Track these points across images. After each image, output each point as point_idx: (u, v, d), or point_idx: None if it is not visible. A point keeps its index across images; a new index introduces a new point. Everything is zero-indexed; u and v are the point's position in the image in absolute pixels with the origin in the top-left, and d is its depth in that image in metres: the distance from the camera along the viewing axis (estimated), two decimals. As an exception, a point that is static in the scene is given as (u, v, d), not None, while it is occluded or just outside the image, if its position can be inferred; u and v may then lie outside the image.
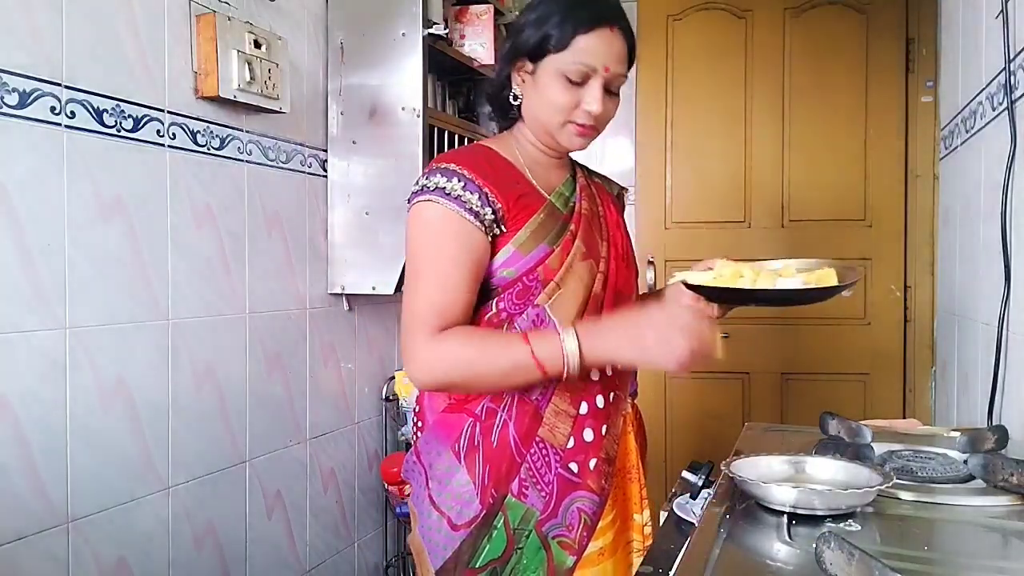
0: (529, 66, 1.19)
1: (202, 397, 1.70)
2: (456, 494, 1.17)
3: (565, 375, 1.08)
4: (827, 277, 1.19)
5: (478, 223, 1.13)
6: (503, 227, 1.16)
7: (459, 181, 1.13)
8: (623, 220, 1.36)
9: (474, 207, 1.13)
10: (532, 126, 1.23)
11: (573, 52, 1.15)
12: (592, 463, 1.19)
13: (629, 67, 1.20)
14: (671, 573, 0.80)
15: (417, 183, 1.17)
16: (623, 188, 1.46)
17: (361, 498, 2.28)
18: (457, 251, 1.13)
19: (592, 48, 1.15)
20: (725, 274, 1.21)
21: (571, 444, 1.19)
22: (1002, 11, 1.51)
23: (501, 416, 1.18)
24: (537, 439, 1.17)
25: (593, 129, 1.20)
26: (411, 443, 1.30)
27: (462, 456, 1.18)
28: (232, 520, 1.80)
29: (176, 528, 1.63)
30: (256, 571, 1.87)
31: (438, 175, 1.14)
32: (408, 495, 1.30)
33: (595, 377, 1.20)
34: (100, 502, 1.46)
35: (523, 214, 1.17)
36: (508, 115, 1.27)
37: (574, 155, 1.32)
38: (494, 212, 1.15)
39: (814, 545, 0.73)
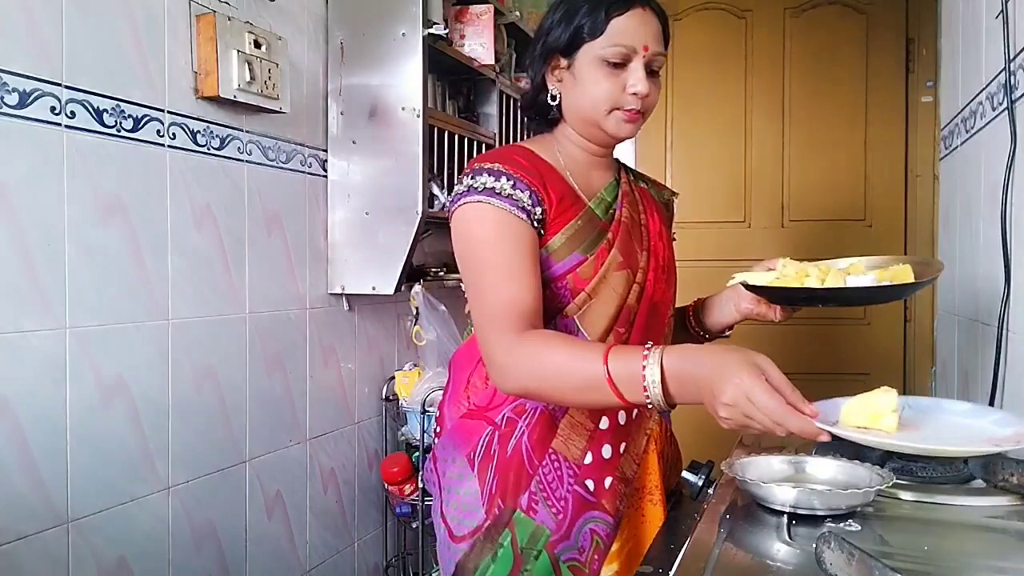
0: (564, 62, 1.16)
1: (202, 397, 1.70)
2: (460, 503, 1.14)
3: (650, 406, 0.94)
4: (902, 274, 1.09)
5: (530, 221, 1.10)
6: (544, 228, 1.12)
7: (508, 180, 1.10)
8: (667, 230, 1.30)
9: (525, 205, 1.10)
10: (576, 122, 1.19)
11: (609, 36, 1.11)
12: (608, 481, 1.14)
13: (665, 47, 1.17)
14: (671, 573, 0.80)
15: (461, 183, 1.13)
16: (674, 193, 1.41)
17: (361, 498, 2.28)
18: (517, 246, 1.08)
19: (628, 29, 1.11)
20: (789, 274, 1.14)
21: (589, 460, 1.13)
22: (1002, 11, 1.51)
23: (521, 426, 1.13)
24: (550, 451, 1.12)
25: (640, 114, 1.16)
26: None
27: (475, 464, 1.14)
28: (232, 520, 1.80)
29: (176, 528, 1.63)
30: (256, 571, 1.87)
31: (484, 175, 1.11)
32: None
33: None
34: (100, 502, 1.46)
35: (561, 218, 1.13)
36: (548, 118, 1.22)
37: (617, 155, 1.29)
38: (543, 212, 1.12)
39: (814, 545, 0.73)
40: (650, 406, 0.94)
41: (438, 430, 1.25)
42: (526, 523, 1.11)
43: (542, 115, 1.23)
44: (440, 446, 1.21)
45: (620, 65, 1.12)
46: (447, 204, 1.19)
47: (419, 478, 2.07)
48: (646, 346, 0.94)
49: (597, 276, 1.13)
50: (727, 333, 1.39)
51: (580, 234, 1.14)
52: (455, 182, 1.17)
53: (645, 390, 0.92)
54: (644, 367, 0.91)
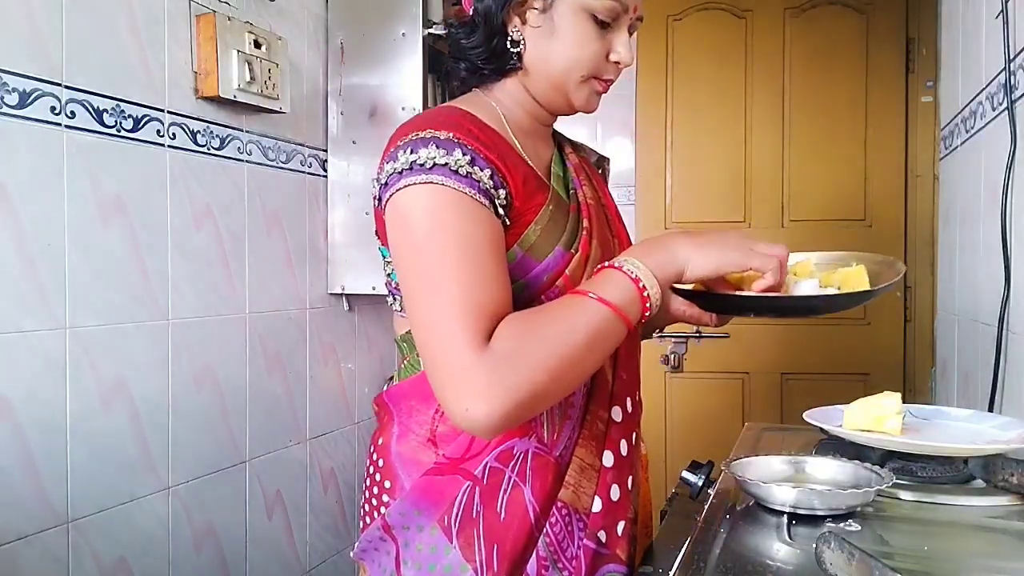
0: (539, 3, 0.92)
1: (202, 397, 1.70)
2: None
3: (649, 311, 0.83)
4: (854, 277, 0.94)
5: (492, 209, 0.85)
6: (510, 218, 0.88)
7: (463, 153, 0.84)
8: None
9: (487, 187, 0.84)
10: (538, 81, 0.96)
11: None
12: (620, 527, 0.97)
13: None
14: (671, 573, 0.80)
15: (396, 159, 0.85)
16: (604, 157, 1.18)
17: (361, 498, 2.28)
18: (484, 239, 0.83)
19: None
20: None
21: (597, 507, 0.95)
22: (1002, 11, 1.51)
23: (509, 477, 0.91)
24: (559, 504, 0.93)
25: (610, 86, 0.99)
26: (369, 503, 1.02)
27: (454, 533, 0.90)
28: (232, 520, 1.80)
29: (176, 528, 1.63)
30: (256, 571, 1.87)
31: (431, 146, 0.84)
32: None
33: (618, 418, 0.98)
34: (100, 502, 1.46)
35: (531, 205, 0.90)
36: (504, 69, 0.97)
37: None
38: (507, 196, 0.87)
39: (814, 545, 0.73)
40: (649, 309, 0.83)
41: (387, 485, 0.97)
42: None
43: (498, 66, 0.97)
44: (395, 511, 0.93)
45: (605, 25, 0.93)
46: (378, 193, 0.90)
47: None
48: (606, 264, 0.85)
49: (585, 276, 0.91)
50: (655, 335, 1.24)
51: (555, 222, 0.92)
52: (383, 160, 0.89)
53: (643, 290, 0.82)
54: (624, 268, 0.83)
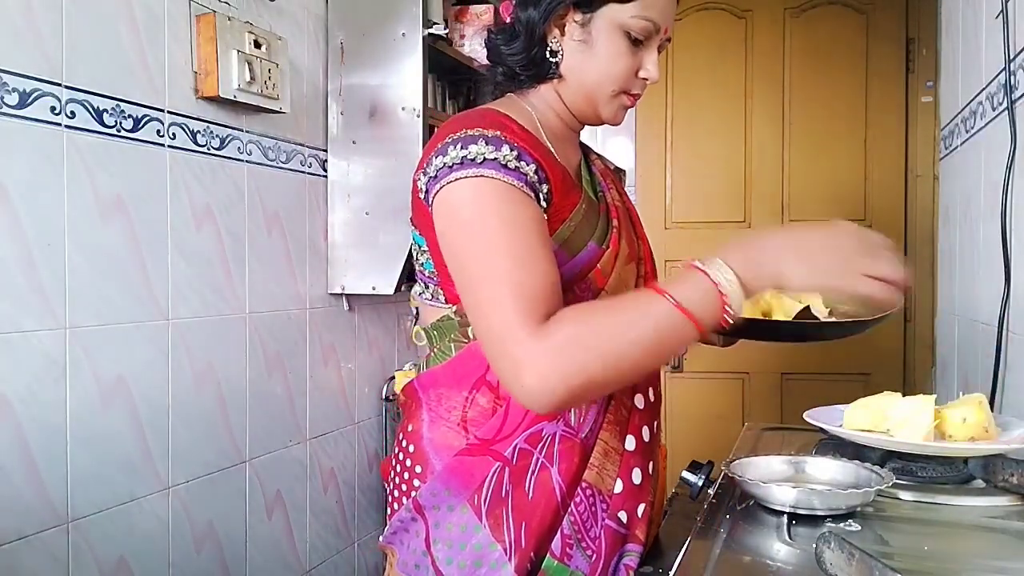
0: (579, 16, 0.96)
1: (202, 397, 1.70)
2: (476, 559, 0.93)
3: (729, 319, 0.81)
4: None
5: (538, 202, 0.89)
6: (548, 214, 0.92)
7: (511, 150, 0.88)
8: None
9: (533, 180, 0.89)
10: (572, 91, 1.00)
11: (642, 5, 0.94)
12: (641, 509, 1.00)
13: None
14: (671, 573, 0.80)
15: (446, 154, 0.89)
16: (620, 169, 1.24)
17: (361, 498, 2.28)
18: (530, 226, 0.86)
19: (660, 2, 0.96)
20: None
21: (619, 488, 0.98)
22: (1002, 11, 1.51)
23: (537, 458, 0.94)
24: (583, 485, 0.96)
25: (636, 101, 1.02)
26: (399, 489, 1.03)
27: (483, 512, 0.93)
28: (232, 520, 1.80)
29: (176, 528, 1.63)
30: (256, 571, 1.87)
31: (480, 142, 0.88)
32: (393, 563, 1.01)
33: (640, 405, 1.02)
34: (100, 502, 1.46)
35: (565, 202, 0.94)
36: (541, 76, 1.01)
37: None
38: (549, 192, 0.91)
39: (814, 545, 0.73)
40: (728, 319, 0.80)
41: (418, 470, 0.99)
42: (560, 571, 0.94)
43: (535, 73, 1.01)
44: (426, 491, 0.96)
45: (638, 42, 0.96)
46: (425, 185, 0.93)
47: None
48: (692, 261, 0.83)
49: (615, 271, 0.97)
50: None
51: (588, 220, 0.97)
52: (432, 153, 0.92)
53: (724, 297, 0.80)
54: (709, 272, 0.80)
